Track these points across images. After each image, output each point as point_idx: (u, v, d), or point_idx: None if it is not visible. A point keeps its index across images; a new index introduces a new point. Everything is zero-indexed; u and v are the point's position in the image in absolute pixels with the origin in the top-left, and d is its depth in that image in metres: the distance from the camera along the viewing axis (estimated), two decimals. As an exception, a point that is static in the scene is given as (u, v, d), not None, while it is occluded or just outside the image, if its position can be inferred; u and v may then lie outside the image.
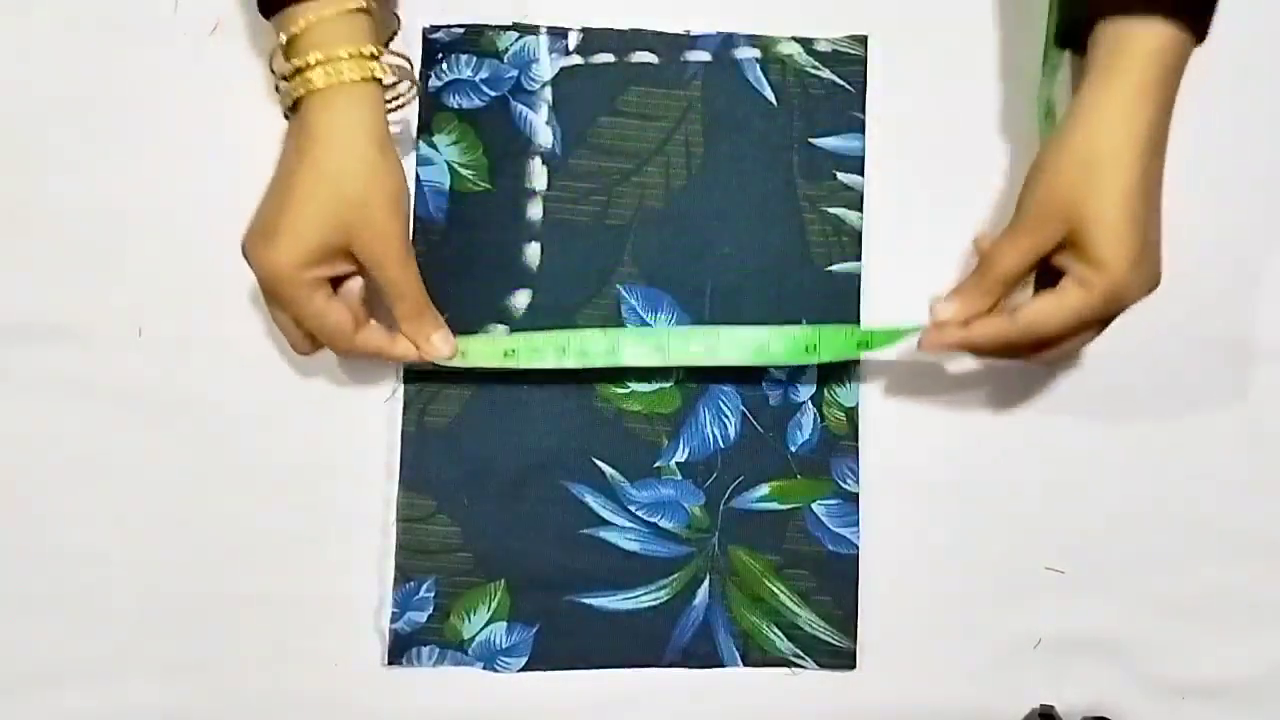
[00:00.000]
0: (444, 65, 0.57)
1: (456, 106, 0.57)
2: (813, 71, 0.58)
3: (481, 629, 0.56)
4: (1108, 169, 0.47)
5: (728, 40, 0.58)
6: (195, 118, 0.57)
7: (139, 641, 0.56)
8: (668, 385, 0.57)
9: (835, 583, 0.56)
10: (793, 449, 0.57)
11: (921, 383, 0.57)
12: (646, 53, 0.58)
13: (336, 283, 0.50)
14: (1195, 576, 0.57)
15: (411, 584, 0.56)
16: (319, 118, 0.48)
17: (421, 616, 0.56)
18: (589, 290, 0.57)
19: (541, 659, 0.56)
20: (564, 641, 0.56)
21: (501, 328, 0.56)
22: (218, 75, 0.57)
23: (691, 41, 0.58)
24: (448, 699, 0.56)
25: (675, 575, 0.56)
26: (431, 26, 0.57)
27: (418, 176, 0.57)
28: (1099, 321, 0.49)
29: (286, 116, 0.50)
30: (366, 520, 0.56)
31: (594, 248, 0.57)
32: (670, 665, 0.56)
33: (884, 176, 0.58)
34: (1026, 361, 0.51)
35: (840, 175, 0.57)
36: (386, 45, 0.51)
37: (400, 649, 0.56)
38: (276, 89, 0.50)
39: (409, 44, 0.55)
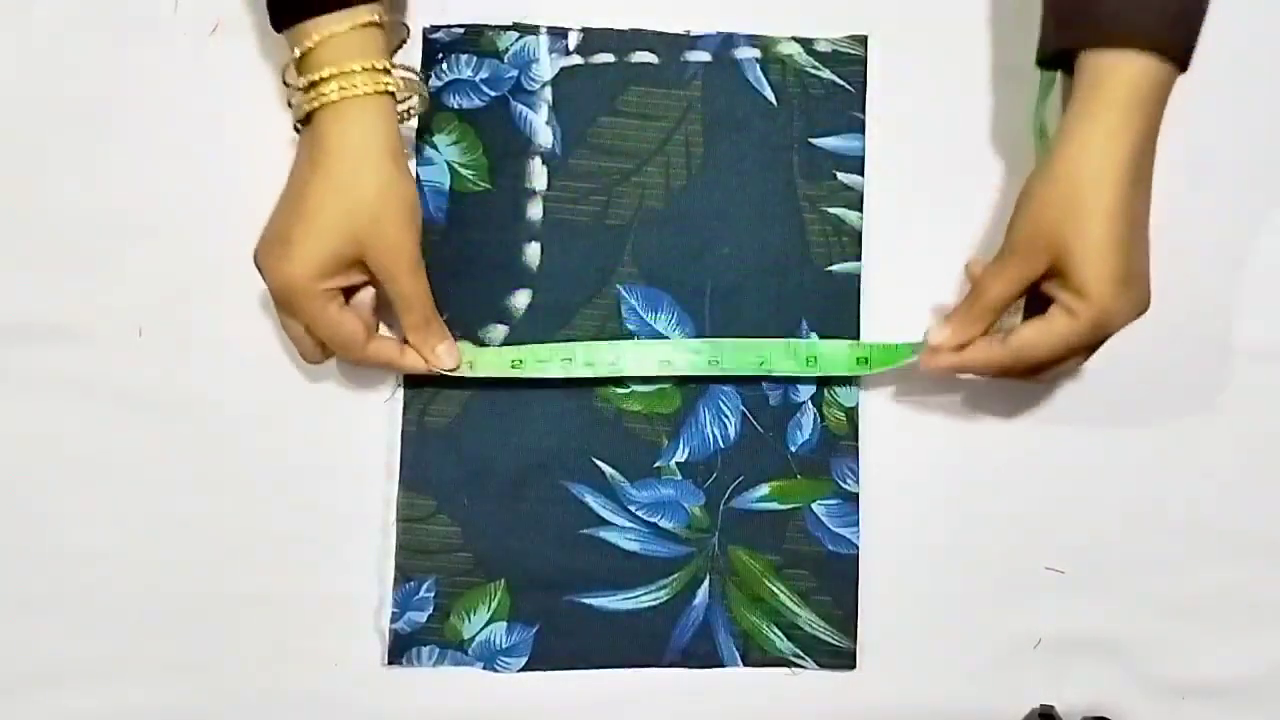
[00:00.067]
0: (444, 65, 0.57)
1: (456, 106, 0.57)
2: (813, 71, 0.58)
3: (481, 629, 0.56)
4: (1089, 200, 0.47)
5: (728, 40, 0.58)
6: (195, 118, 0.57)
7: (139, 641, 0.55)
8: (668, 385, 0.57)
9: (835, 583, 0.56)
10: (793, 449, 0.57)
11: (921, 383, 0.57)
12: (646, 53, 0.58)
13: (348, 292, 0.51)
14: (1195, 577, 0.57)
15: (411, 584, 0.56)
16: (332, 130, 0.48)
17: (421, 616, 0.56)
18: (589, 290, 0.57)
19: (541, 659, 0.56)
20: (564, 641, 0.56)
21: (502, 327, 0.57)
22: (218, 75, 0.57)
23: (691, 41, 0.58)
24: (448, 699, 0.56)
25: (675, 575, 0.56)
26: (431, 26, 0.57)
27: (418, 176, 0.57)
28: (1087, 347, 0.50)
29: (297, 129, 0.50)
30: (366, 520, 0.56)
31: (594, 248, 0.57)
32: (670, 665, 0.56)
33: (884, 176, 0.58)
34: (1022, 380, 0.53)
35: (840, 175, 0.57)
36: (395, 52, 0.51)
37: (400, 649, 0.56)
38: (289, 102, 0.50)
39: (409, 44, 0.55)
